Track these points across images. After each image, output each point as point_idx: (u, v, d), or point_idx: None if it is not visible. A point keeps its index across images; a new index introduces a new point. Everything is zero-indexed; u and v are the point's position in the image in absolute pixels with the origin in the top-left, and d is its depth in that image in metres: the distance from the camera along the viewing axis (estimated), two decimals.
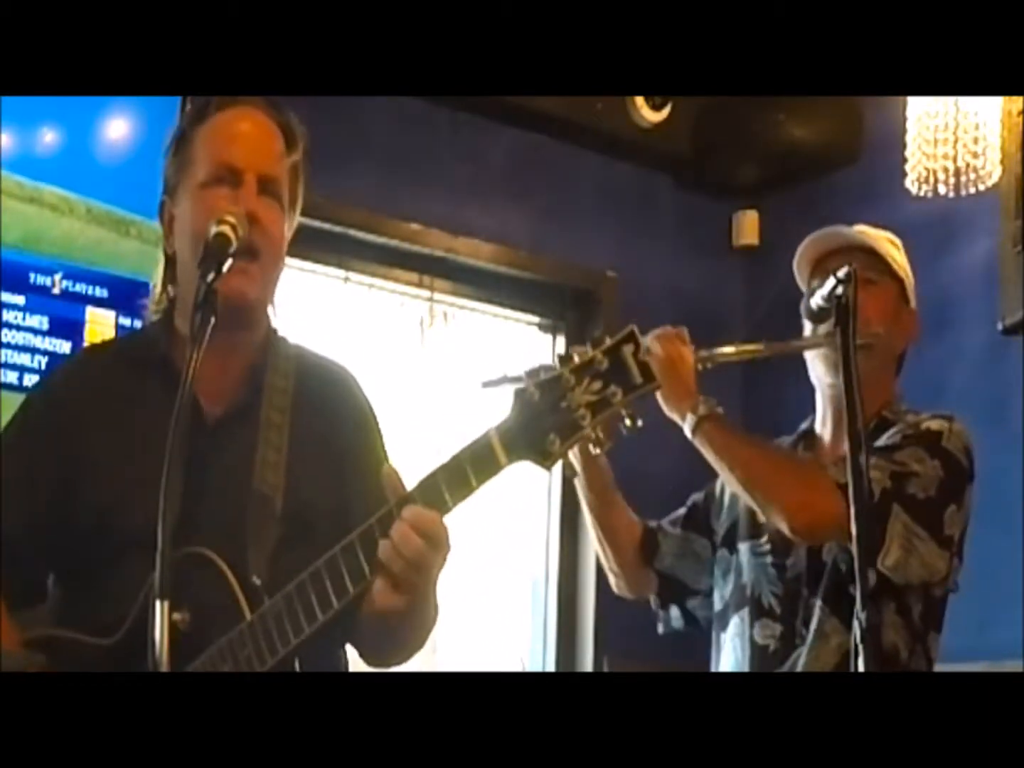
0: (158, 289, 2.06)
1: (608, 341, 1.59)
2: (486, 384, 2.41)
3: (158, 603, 1.57)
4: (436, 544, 1.68)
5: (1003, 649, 3.40)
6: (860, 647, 1.77)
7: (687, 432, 2.32)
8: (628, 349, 1.58)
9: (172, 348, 1.96)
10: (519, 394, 1.62)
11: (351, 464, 1.96)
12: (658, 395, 2.30)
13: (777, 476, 2.31)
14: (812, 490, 2.23)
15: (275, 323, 2.05)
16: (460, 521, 1.75)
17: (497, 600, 4.14)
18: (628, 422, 1.60)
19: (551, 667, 4.13)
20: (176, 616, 1.70)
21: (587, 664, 4.08)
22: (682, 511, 2.56)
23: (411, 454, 3.92)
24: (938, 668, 2.33)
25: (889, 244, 2.46)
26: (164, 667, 1.57)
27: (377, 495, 1.76)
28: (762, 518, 2.39)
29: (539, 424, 1.60)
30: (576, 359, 1.60)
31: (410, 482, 1.73)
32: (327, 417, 1.99)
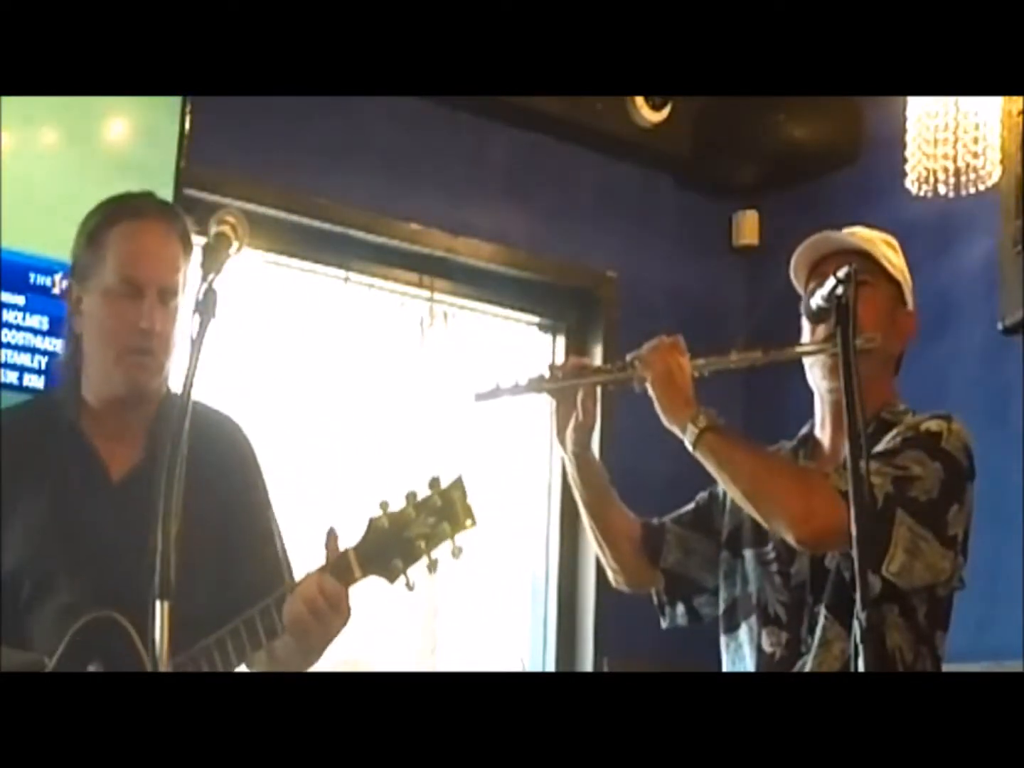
0: (64, 357, 2.23)
1: (441, 485, 1.98)
2: (479, 397, 2.41)
3: (158, 603, 1.59)
4: (331, 602, 1.95)
5: (1004, 649, 3.40)
6: (860, 647, 1.77)
7: (688, 445, 2.30)
8: (457, 493, 1.98)
9: (80, 417, 2.15)
10: (373, 522, 1.98)
11: (237, 525, 2.16)
12: (656, 406, 2.31)
13: (779, 486, 2.29)
14: (815, 499, 2.23)
15: (169, 383, 2.20)
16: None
17: (497, 600, 4.14)
18: (452, 553, 1.97)
19: (551, 667, 4.12)
20: (91, 668, 1.91)
21: (587, 664, 4.08)
22: (687, 509, 2.56)
23: (411, 454, 3.93)
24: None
25: (885, 245, 2.45)
26: (164, 667, 1.58)
27: (260, 556, 2.12)
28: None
29: (386, 549, 1.97)
30: (418, 497, 1.98)
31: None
32: (215, 478, 2.14)
